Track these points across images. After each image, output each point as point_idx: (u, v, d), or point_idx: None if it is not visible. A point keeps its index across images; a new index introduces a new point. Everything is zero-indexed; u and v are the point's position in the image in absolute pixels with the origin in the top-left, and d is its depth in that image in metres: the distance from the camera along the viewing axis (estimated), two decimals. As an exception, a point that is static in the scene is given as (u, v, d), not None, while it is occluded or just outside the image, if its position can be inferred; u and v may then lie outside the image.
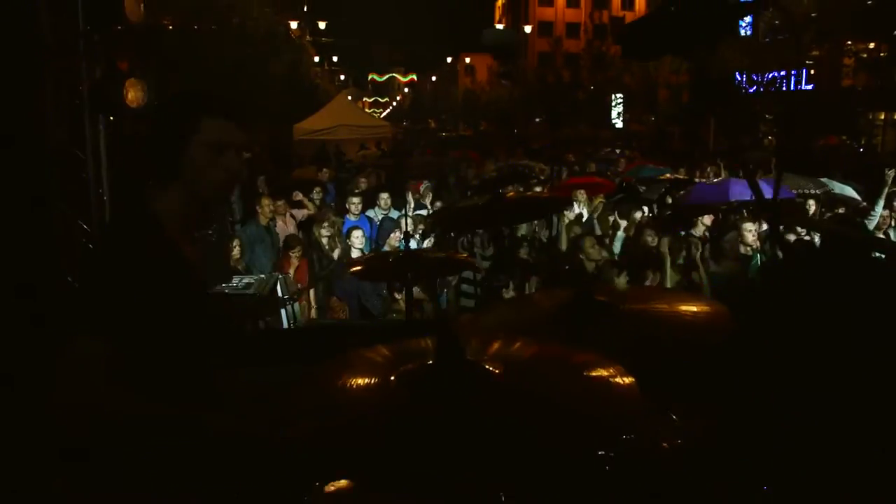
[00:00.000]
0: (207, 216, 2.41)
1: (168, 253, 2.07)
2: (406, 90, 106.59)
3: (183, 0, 20.77)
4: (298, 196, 10.87)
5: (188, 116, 2.14)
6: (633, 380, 1.47)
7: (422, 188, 11.86)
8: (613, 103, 47.51)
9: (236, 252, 7.84)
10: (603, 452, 1.73)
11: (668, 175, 12.75)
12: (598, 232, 8.47)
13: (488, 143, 32.26)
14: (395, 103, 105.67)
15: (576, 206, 10.51)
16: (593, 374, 1.58)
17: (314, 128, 24.37)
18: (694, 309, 1.95)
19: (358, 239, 8.46)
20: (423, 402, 1.50)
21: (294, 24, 43.23)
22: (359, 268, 3.97)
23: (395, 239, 8.87)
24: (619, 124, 49.09)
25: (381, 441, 1.39)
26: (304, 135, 24.15)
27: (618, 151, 24.22)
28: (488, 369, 1.58)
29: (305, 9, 54.51)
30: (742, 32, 29.32)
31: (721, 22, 1.46)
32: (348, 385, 1.56)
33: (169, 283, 1.99)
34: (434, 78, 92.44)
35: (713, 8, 1.44)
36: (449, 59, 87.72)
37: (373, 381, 1.58)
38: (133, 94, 5.03)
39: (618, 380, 1.50)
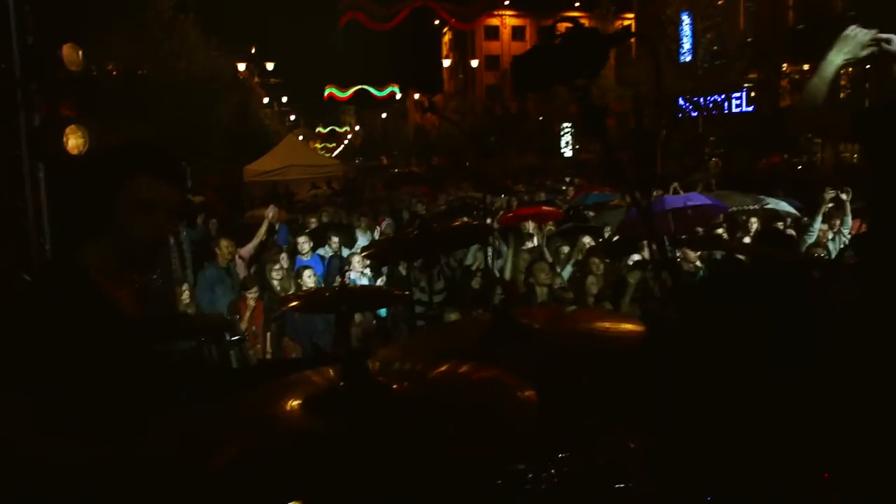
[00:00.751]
0: (141, 265, 2.39)
1: (93, 303, 2.05)
2: (357, 128, 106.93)
3: (128, 46, 20.72)
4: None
5: (116, 173, 2.11)
6: (532, 393, 1.53)
7: (384, 225, 11.95)
8: (562, 133, 48.18)
9: (186, 296, 7.78)
10: (521, 468, 1.78)
11: (616, 201, 12.94)
12: (549, 259, 8.56)
13: (440, 177, 32.48)
14: (346, 141, 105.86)
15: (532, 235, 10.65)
16: (493, 389, 1.64)
17: (264, 169, 24.34)
18: (610, 326, 2.02)
19: (309, 278, 8.44)
20: (330, 421, 1.56)
21: (242, 66, 43.30)
22: (295, 303, 3.99)
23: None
24: (569, 153, 49.70)
25: (299, 462, 1.44)
26: (255, 176, 24.11)
27: (567, 180, 24.53)
28: (393, 387, 1.65)
29: (254, 50, 54.40)
30: (683, 59, 30.08)
31: (597, 55, 1.55)
32: (268, 411, 1.62)
33: (91, 333, 1.98)
34: (384, 115, 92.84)
35: (589, 41, 1.53)
36: (398, 96, 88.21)
37: (289, 406, 1.63)
38: (74, 142, 4.96)
39: (518, 394, 1.56)
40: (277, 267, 8.87)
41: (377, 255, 4.99)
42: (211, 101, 24.23)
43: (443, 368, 1.75)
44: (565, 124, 45.38)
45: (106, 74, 19.08)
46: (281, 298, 6.17)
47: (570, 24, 1.62)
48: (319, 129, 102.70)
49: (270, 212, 11.11)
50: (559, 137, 48.45)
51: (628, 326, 2.06)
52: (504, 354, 1.98)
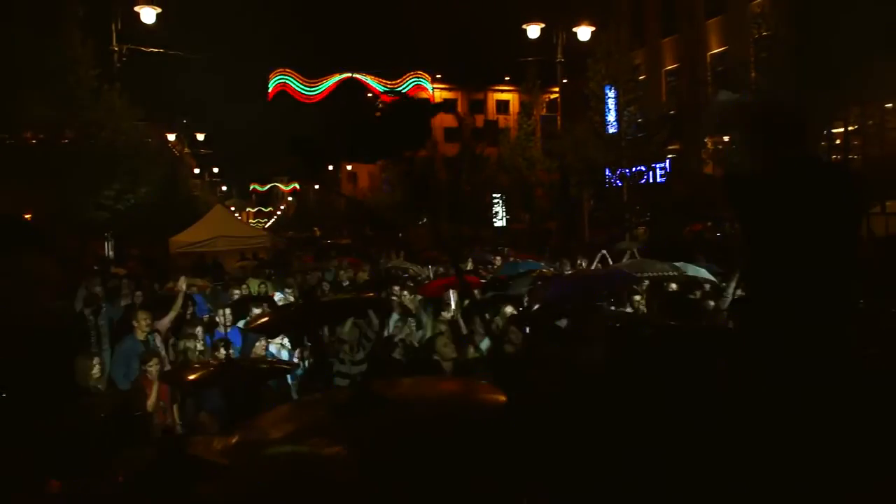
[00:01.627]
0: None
1: None
2: (290, 199, 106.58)
3: (48, 114, 20.40)
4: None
5: None
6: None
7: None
8: (494, 203, 48.81)
9: (96, 370, 7.49)
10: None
11: (539, 270, 13.02)
12: (465, 330, 8.51)
13: (369, 247, 32.52)
14: (279, 213, 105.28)
15: (453, 299, 10.64)
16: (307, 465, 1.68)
17: (191, 240, 23.96)
18: (468, 395, 1.98)
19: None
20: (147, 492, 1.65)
21: (172, 137, 42.99)
22: (185, 376, 3.87)
23: (260, 348, 8.70)
24: (501, 223, 50.28)
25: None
26: (182, 247, 23.71)
27: (502, 249, 24.73)
28: (206, 460, 1.73)
29: (185, 121, 54.18)
30: (608, 130, 30.89)
31: (420, 127, 1.53)
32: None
33: None
34: (317, 186, 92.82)
35: (412, 113, 1.51)
36: (331, 167, 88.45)
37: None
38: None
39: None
40: (191, 342, 8.67)
41: (258, 328, 4.91)
42: (137, 170, 23.86)
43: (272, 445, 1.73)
44: (496, 194, 45.97)
45: (22, 141, 18.69)
46: (165, 373, 5.96)
47: (395, 97, 1.61)
48: (256, 186, 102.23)
49: (182, 283, 10.91)
50: (490, 207, 49.04)
51: (485, 395, 2.04)
52: (360, 426, 1.97)
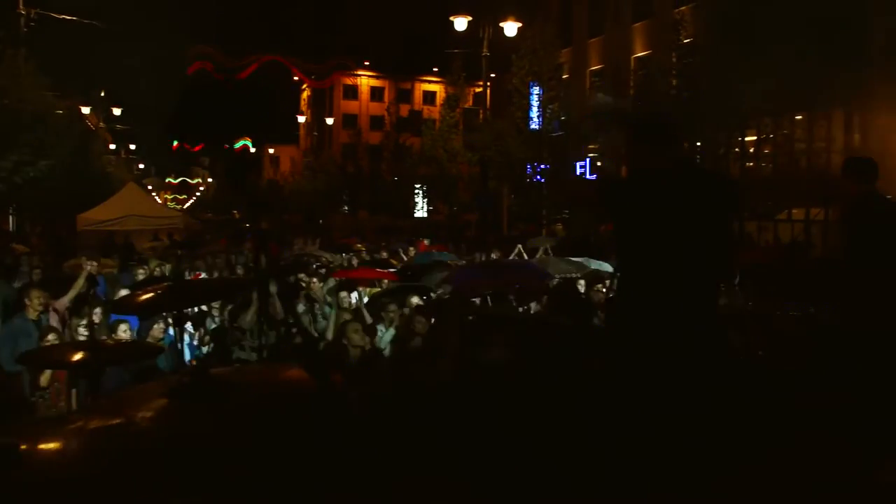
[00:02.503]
0: None
1: None
2: (210, 180, 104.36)
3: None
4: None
5: None
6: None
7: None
8: (416, 193, 48.73)
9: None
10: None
11: (449, 262, 12.95)
12: (369, 320, 8.38)
13: (289, 232, 32.05)
14: (198, 194, 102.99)
15: (354, 295, 10.54)
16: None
17: (100, 218, 23.17)
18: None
19: (124, 332, 7.95)
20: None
21: (86, 110, 41.45)
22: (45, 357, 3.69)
23: (158, 331, 8.40)
24: (422, 214, 50.28)
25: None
26: (89, 225, 22.91)
27: (418, 239, 24.64)
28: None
29: (102, 94, 52.29)
30: (532, 126, 31.08)
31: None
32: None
33: None
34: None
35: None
36: (253, 150, 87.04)
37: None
38: None
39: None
40: (85, 321, 8.30)
41: (125, 307, 4.74)
42: (41, 141, 22.82)
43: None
44: (418, 185, 45.95)
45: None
46: (22, 354, 5.67)
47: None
48: (170, 179, 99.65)
49: (85, 262, 10.52)
50: (412, 197, 48.96)
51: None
52: (194, 411, 2.01)
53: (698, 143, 24.13)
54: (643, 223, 2.99)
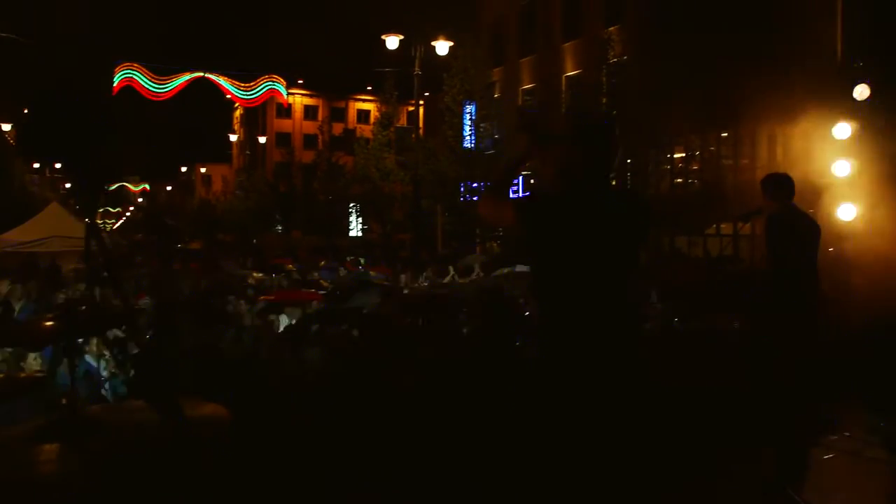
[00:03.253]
0: None
1: None
2: (140, 200, 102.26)
3: None
4: None
5: None
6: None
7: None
8: (350, 213, 48.35)
9: None
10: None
11: (379, 280, 12.83)
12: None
13: (218, 253, 31.51)
14: (128, 214, 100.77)
15: (283, 318, 10.35)
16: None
17: (21, 239, 22.34)
18: None
19: (35, 360, 7.61)
20: None
21: (7, 127, 40.22)
22: None
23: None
24: (357, 233, 49.89)
25: None
26: (9, 247, 22.09)
27: (353, 259, 24.42)
28: None
29: (26, 111, 50.73)
30: (465, 145, 31.17)
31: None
32: None
33: None
34: (169, 188, 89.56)
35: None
36: (184, 169, 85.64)
37: None
38: None
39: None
40: (-10, 351, 7.91)
41: (7, 338, 4.48)
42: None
43: None
44: (352, 204, 45.58)
45: None
46: None
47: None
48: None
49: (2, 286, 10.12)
50: (346, 217, 48.56)
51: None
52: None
53: (628, 161, 24.44)
54: (558, 244, 2.91)
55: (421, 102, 32.99)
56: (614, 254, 2.90)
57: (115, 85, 35.23)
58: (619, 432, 2.83)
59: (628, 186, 23.68)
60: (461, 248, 26.54)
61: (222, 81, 38.18)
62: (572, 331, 2.84)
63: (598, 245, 2.87)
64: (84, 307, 3.49)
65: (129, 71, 35.17)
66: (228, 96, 43.75)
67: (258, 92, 39.24)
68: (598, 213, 2.91)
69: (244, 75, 38.87)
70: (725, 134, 25.16)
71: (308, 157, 52.82)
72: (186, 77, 36.93)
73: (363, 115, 66.98)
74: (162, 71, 36.69)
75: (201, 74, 37.29)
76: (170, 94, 37.13)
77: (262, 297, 11.24)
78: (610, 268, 2.88)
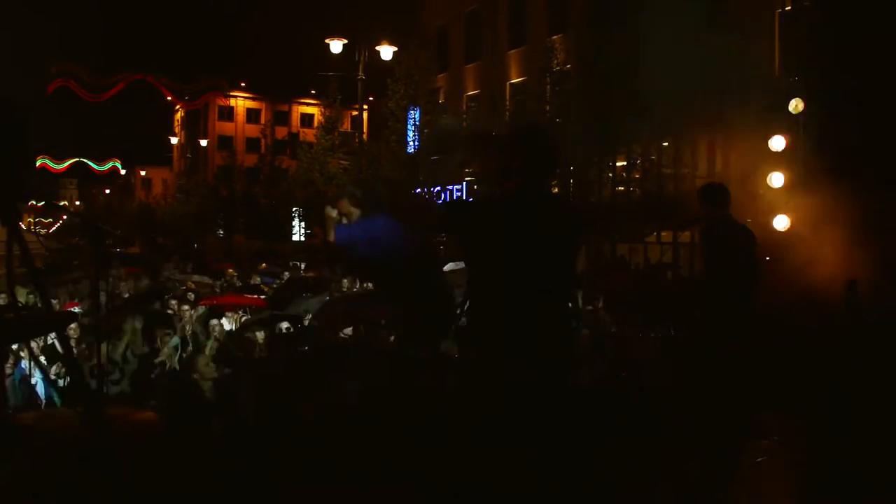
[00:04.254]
0: None
1: None
2: (78, 203, 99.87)
3: None
4: None
5: None
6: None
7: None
8: (293, 217, 47.88)
9: None
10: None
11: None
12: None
13: (158, 256, 30.92)
14: (65, 218, 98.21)
15: (225, 322, 10.25)
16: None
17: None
18: None
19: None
20: None
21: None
22: None
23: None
24: (300, 238, 49.43)
25: None
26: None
27: (296, 264, 24.14)
28: None
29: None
30: (410, 150, 31.12)
31: None
32: None
33: None
34: (108, 191, 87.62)
35: None
36: (123, 171, 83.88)
37: None
38: None
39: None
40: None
41: None
42: None
43: None
44: (295, 208, 45.17)
45: None
46: None
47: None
48: (32, 202, 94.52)
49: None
50: (290, 221, 48.12)
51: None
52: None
53: (571, 168, 24.67)
54: (489, 248, 2.93)
55: (365, 107, 32.90)
56: (542, 257, 2.92)
57: (49, 86, 34.31)
58: (541, 434, 2.86)
59: (570, 194, 23.93)
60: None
61: (162, 83, 37.43)
62: (498, 331, 2.88)
63: (525, 248, 2.89)
64: (12, 314, 3.39)
65: (65, 72, 34.29)
66: (169, 98, 42.98)
67: (199, 94, 38.55)
68: (526, 217, 2.93)
69: (185, 77, 38.20)
70: (666, 144, 25.55)
71: (251, 160, 52.24)
72: (125, 78, 36.13)
73: (307, 119, 66.44)
74: (100, 72, 35.91)
75: (141, 76, 36.54)
76: (108, 96, 36.29)
77: (202, 302, 11.06)
78: (537, 271, 2.90)
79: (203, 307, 10.78)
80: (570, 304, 3.17)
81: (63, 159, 67.69)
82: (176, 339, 9.22)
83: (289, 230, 48.31)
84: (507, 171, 3.05)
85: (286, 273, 18.03)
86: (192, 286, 14.20)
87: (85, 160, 66.87)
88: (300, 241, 47.13)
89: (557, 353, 2.94)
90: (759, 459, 5.73)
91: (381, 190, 5.41)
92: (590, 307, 9.52)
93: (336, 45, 25.49)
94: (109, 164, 68.87)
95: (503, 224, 2.93)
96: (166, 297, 12.31)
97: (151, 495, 3.40)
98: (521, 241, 2.90)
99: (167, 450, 3.98)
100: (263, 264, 24.43)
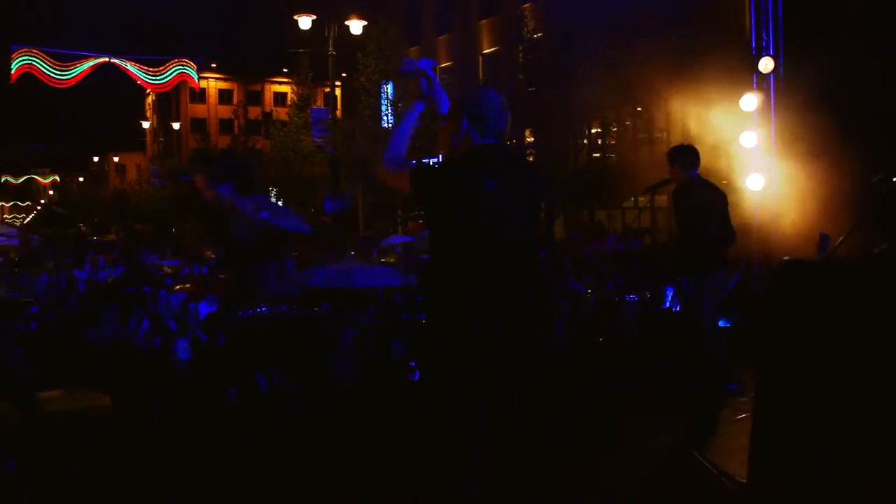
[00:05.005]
0: None
1: None
2: (51, 192, 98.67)
3: None
4: None
5: None
6: None
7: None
8: (270, 197, 47.56)
9: None
10: None
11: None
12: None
13: (135, 244, 30.66)
14: (39, 207, 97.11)
15: (203, 306, 10.12)
16: None
17: None
18: None
19: None
20: None
21: None
22: None
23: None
24: (278, 218, 48.97)
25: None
26: None
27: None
28: None
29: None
30: (385, 125, 30.92)
31: None
32: None
33: None
34: (81, 179, 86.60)
35: None
36: (96, 158, 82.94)
37: None
38: None
39: None
40: None
41: None
42: None
43: None
44: (272, 188, 44.87)
45: None
46: None
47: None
48: (8, 178, 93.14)
49: None
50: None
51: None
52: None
53: (547, 137, 24.66)
54: (453, 208, 2.90)
55: (338, 84, 32.61)
56: (504, 222, 2.89)
57: (13, 73, 33.61)
58: (504, 403, 2.87)
59: (547, 161, 23.89)
60: (383, 230, 26.42)
61: (129, 66, 36.73)
62: (459, 297, 2.85)
63: (486, 212, 2.86)
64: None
65: (27, 57, 33.53)
66: (138, 82, 42.21)
67: (167, 77, 37.86)
68: (484, 182, 2.89)
69: (153, 60, 37.42)
70: (640, 109, 25.56)
71: (224, 142, 51.72)
72: (91, 63, 35.39)
73: (280, 98, 65.73)
74: (64, 57, 35.13)
75: (106, 60, 35.79)
76: (74, 81, 35.55)
77: (178, 287, 10.95)
78: (500, 236, 2.88)
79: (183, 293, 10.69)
80: (536, 262, 3.14)
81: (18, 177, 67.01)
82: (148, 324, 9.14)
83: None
84: (457, 134, 3.03)
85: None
86: (169, 271, 14.08)
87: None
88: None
89: (527, 313, 2.93)
90: (739, 417, 5.75)
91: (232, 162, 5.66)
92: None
93: (305, 21, 25.20)
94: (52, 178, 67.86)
95: (460, 183, 2.91)
96: (143, 283, 12.20)
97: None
98: (480, 199, 2.87)
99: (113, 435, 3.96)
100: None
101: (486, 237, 2.86)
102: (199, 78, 61.71)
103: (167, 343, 7.67)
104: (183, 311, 10.30)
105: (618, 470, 4.78)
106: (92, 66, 35.59)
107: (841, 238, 3.59)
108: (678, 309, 7.87)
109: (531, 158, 24.86)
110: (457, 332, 2.84)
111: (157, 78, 37.70)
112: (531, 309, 2.98)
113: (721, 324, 7.26)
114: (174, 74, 37.75)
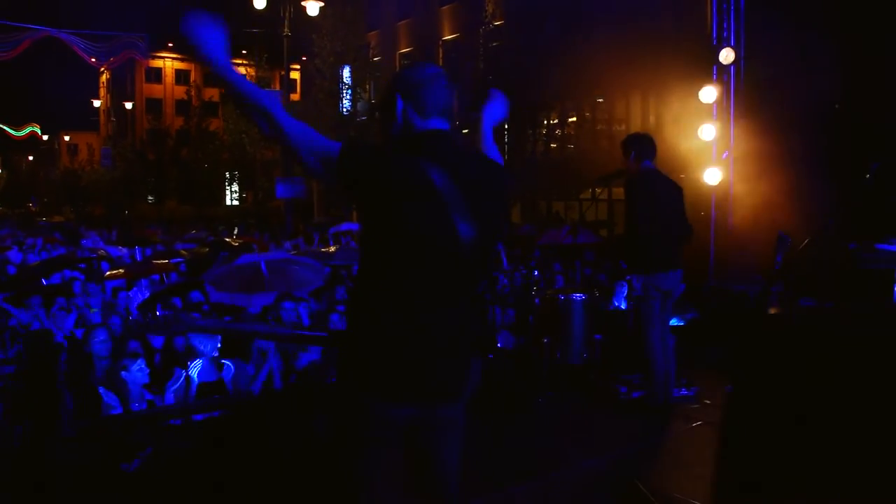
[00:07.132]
0: None
1: None
2: (1, 171, 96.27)
3: None
4: None
5: None
6: None
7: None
8: (228, 181, 46.73)
9: None
10: None
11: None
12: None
13: (83, 225, 29.94)
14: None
15: (135, 292, 9.76)
16: None
17: None
18: None
19: None
20: None
21: None
22: None
23: None
24: (234, 202, 48.38)
25: None
26: None
27: (234, 230, 23.56)
28: None
29: None
30: (342, 110, 30.46)
31: None
32: None
33: None
34: (31, 157, 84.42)
35: None
36: (46, 137, 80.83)
37: None
38: None
39: None
40: None
41: None
42: None
43: None
44: (230, 172, 44.04)
45: None
46: None
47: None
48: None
49: None
50: (223, 185, 46.96)
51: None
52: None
53: (506, 126, 24.30)
54: (390, 201, 2.34)
55: (297, 66, 31.91)
56: (452, 225, 2.34)
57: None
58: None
59: (504, 151, 23.57)
60: (336, 216, 25.97)
61: (76, 40, 35.51)
62: (384, 313, 2.37)
63: (430, 211, 2.33)
64: None
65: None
66: (86, 58, 40.79)
67: (114, 52, 36.67)
68: (430, 174, 2.35)
69: (99, 35, 36.12)
70: (601, 100, 25.37)
71: (180, 123, 50.66)
72: (32, 34, 34.05)
73: (239, 80, 64.47)
74: (5, 28, 33.81)
75: (48, 32, 34.44)
76: (14, 54, 34.24)
77: (109, 273, 10.40)
78: (446, 242, 2.36)
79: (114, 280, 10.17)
80: (482, 276, 2.66)
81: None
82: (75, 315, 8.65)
83: (221, 194, 47.22)
84: (394, 120, 2.52)
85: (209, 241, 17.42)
86: (105, 255, 13.50)
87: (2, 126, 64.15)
88: (233, 205, 46.15)
89: (462, 340, 2.48)
90: (694, 425, 5.48)
91: None
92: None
93: (259, 1, 24.53)
94: (28, 130, 66.24)
95: (401, 172, 2.36)
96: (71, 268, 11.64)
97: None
98: (424, 193, 2.34)
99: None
100: (194, 231, 23.80)
101: (428, 242, 2.36)
102: (154, 57, 60.51)
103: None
104: (114, 299, 9.82)
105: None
106: (33, 39, 34.31)
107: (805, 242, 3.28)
108: (625, 307, 7.60)
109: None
110: (377, 355, 2.38)
111: (103, 53, 36.50)
112: (466, 335, 2.52)
113: (674, 321, 6.98)
114: (121, 50, 36.61)
